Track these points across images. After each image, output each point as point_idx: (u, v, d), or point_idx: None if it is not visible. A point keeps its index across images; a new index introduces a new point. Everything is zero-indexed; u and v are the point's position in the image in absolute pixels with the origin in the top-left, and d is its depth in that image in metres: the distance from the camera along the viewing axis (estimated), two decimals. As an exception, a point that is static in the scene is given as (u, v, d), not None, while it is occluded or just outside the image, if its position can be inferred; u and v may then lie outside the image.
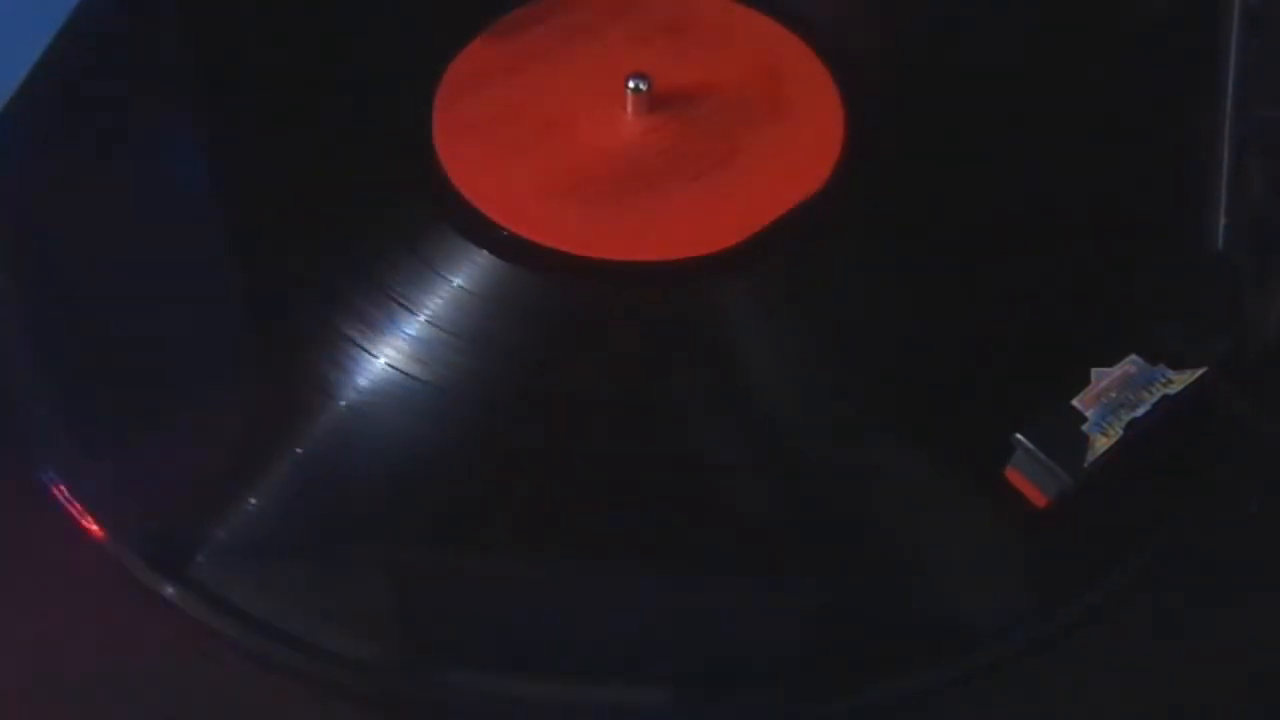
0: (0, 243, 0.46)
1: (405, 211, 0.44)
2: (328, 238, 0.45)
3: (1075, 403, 0.38)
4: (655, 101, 0.46)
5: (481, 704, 0.37)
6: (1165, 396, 0.38)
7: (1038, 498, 0.38)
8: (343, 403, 0.40)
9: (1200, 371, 0.38)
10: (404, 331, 0.41)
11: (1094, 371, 0.38)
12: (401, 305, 0.42)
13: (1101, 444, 0.37)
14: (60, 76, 0.51)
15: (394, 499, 0.39)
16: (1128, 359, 0.39)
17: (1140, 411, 0.38)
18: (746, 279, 0.43)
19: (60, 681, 0.37)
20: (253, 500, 0.39)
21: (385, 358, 0.41)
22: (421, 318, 0.42)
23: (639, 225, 0.44)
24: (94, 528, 0.39)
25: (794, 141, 0.46)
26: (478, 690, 0.37)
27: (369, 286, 0.42)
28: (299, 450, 0.40)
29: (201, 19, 0.53)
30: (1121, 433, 0.37)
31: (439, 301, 0.42)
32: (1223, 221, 0.42)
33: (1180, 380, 0.38)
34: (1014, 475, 0.38)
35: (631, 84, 0.46)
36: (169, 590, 0.38)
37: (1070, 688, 0.37)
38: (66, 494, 0.40)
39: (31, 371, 0.42)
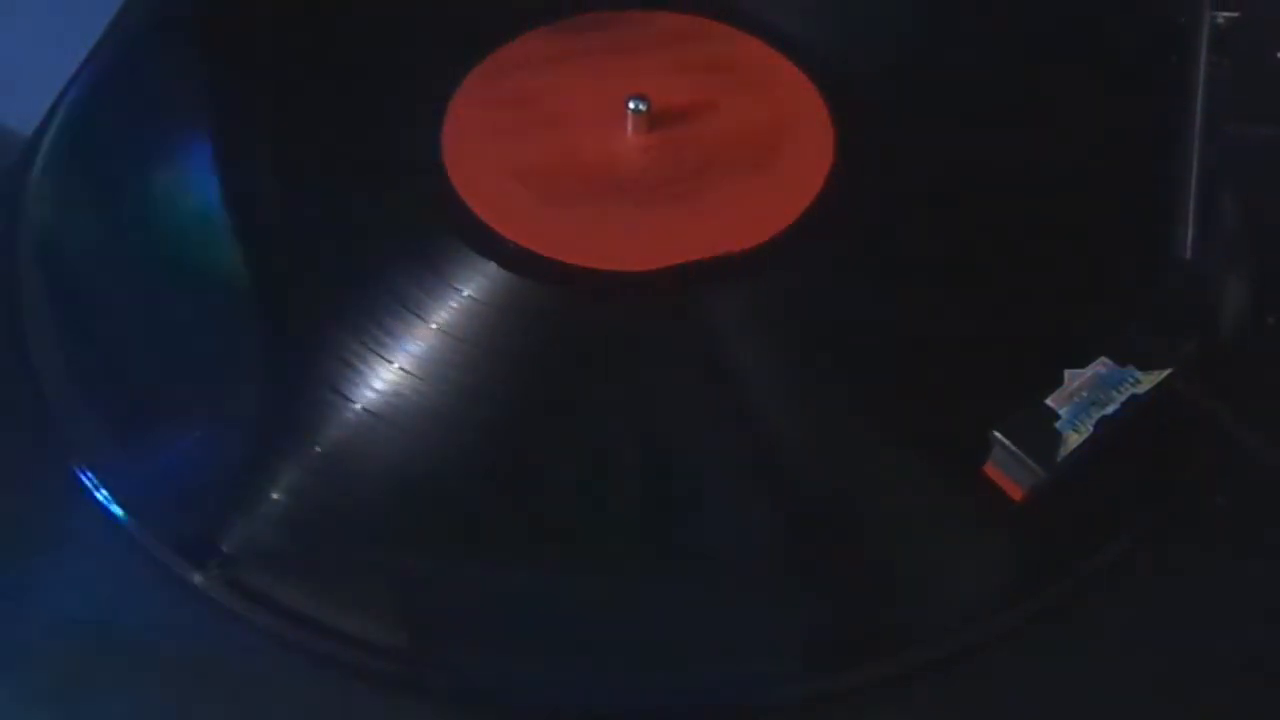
0: (36, 250, 0.47)
1: (417, 225, 0.46)
2: (345, 250, 0.46)
3: (1049, 401, 0.39)
4: (654, 121, 0.48)
5: (491, 688, 0.38)
6: (1133, 396, 0.39)
7: (1014, 491, 0.39)
8: (358, 405, 0.42)
9: (1166, 372, 0.40)
10: (416, 339, 0.43)
11: (1067, 373, 0.40)
12: (414, 314, 0.44)
13: (1073, 440, 0.39)
14: (91, 94, 0.53)
15: (405, 494, 0.41)
16: (1098, 360, 0.40)
17: (1110, 410, 0.39)
18: (745, 288, 0.45)
19: (92, 664, 0.38)
20: (274, 494, 0.40)
21: (399, 363, 0.43)
22: (432, 326, 0.43)
23: (640, 238, 0.46)
24: (125, 519, 0.41)
25: (787, 160, 0.48)
26: (488, 674, 0.39)
27: (384, 296, 0.44)
28: (318, 448, 0.41)
29: (220, 44, 0.54)
30: (1092, 430, 0.39)
31: (449, 311, 0.44)
32: (1191, 231, 0.43)
33: (1148, 381, 0.40)
34: (992, 470, 0.40)
35: (631, 105, 0.48)
36: (195, 577, 0.39)
37: (1044, 675, 0.38)
38: (99, 487, 0.41)
39: (67, 374, 0.44)
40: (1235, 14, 0.46)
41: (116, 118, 0.52)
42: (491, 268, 0.44)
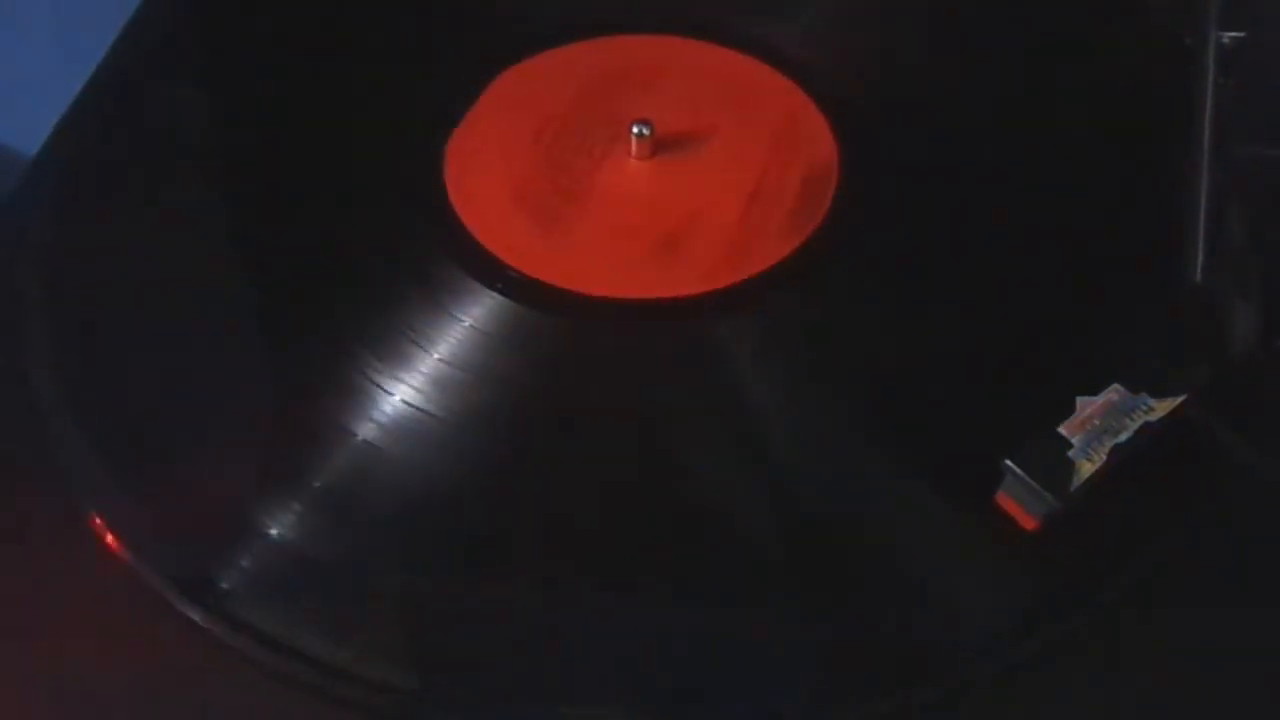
0: (37, 289, 0.47)
1: (420, 253, 0.46)
2: (346, 281, 0.46)
3: (1062, 430, 0.39)
4: (658, 145, 0.48)
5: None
6: (1147, 423, 0.39)
7: (1027, 520, 0.39)
8: (360, 437, 0.42)
9: (1180, 399, 0.40)
10: (418, 369, 0.43)
11: (1079, 400, 0.40)
12: (415, 344, 0.43)
13: (1086, 469, 0.39)
14: (94, 118, 0.53)
15: (407, 527, 0.41)
16: (1111, 387, 0.40)
17: (1123, 438, 0.39)
18: (751, 315, 0.44)
19: (95, 701, 0.38)
20: (275, 530, 0.40)
21: (400, 394, 0.42)
22: (434, 356, 0.43)
23: (643, 264, 0.46)
24: (128, 556, 0.40)
25: (793, 184, 0.48)
26: (493, 709, 0.38)
27: (385, 327, 0.44)
28: (317, 483, 0.41)
29: (222, 70, 0.55)
30: (1105, 458, 0.39)
31: (451, 340, 0.44)
32: (1201, 256, 0.43)
33: (1161, 408, 0.40)
34: (1004, 499, 0.39)
35: (635, 129, 0.48)
36: (197, 614, 0.39)
37: (1057, 704, 0.38)
38: (103, 525, 0.41)
39: (71, 413, 0.44)
40: (1241, 34, 0.46)
41: (119, 142, 0.52)
42: (493, 296, 0.44)
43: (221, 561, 0.40)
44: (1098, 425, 0.39)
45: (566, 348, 0.44)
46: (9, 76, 0.63)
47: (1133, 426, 0.39)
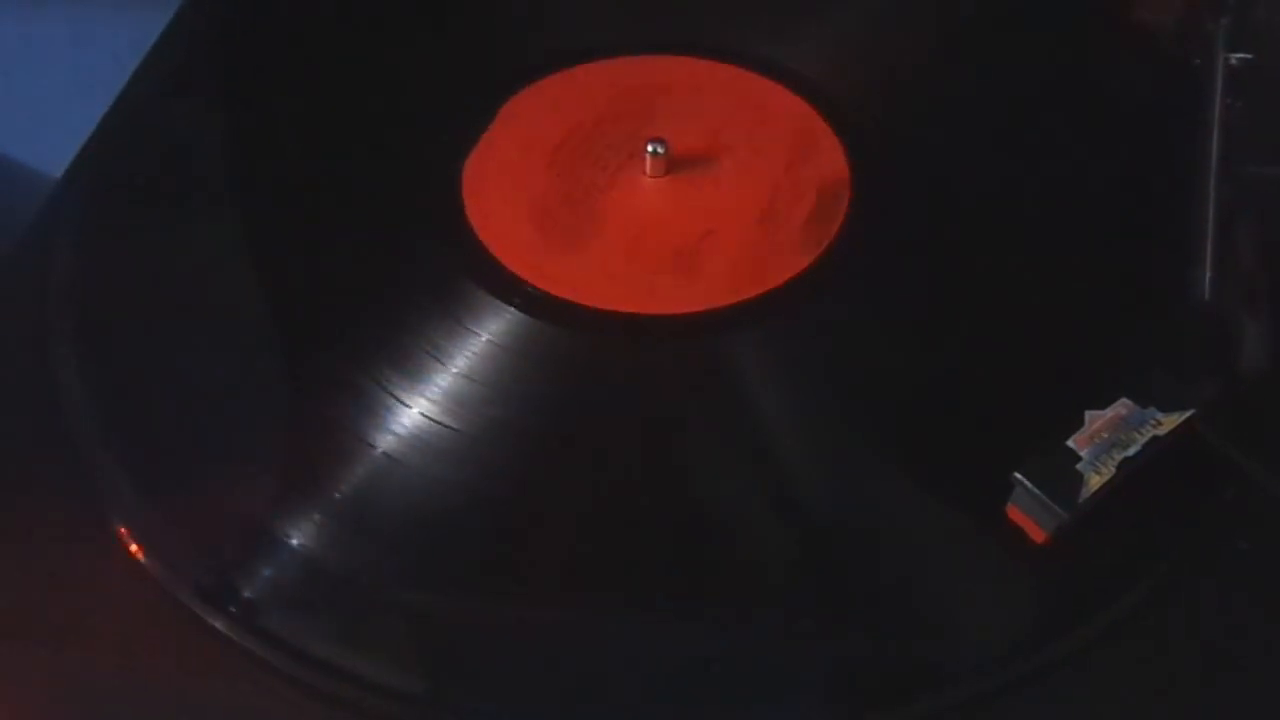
0: (62, 305, 0.48)
1: (438, 269, 0.47)
2: (366, 297, 0.47)
3: (1070, 443, 0.39)
4: (672, 164, 0.49)
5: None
6: (1155, 437, 0.39)
7: (1037, 533, 0.39)
8: (379, 449, 0.42)
9: (1187, 414, 0.40)
10: (436, 383, 0.43)
11: (1088, 414, 0.40)
12: (434, 358, 0.44)
13: (1095, 482, 0.39)
14: (113, 144, 0.53)
15: (426, 538, 0.41)
16: (1119, 402, 0.40)
17: (1131, 451, 0.39)
18: (761, 331, 0.45)
19: (119, 709, 0.39)
20: (296, 540, 0.41)
21: (419, 407, 0.43)
22: (452, 370, 0.44)
23: (657, 280, 0.46)
24: (152, 565, 0.41)
25: (805, 202, 0.48)
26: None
27: (404, 342, 0.44)
28: (339, 494, 0.42)
29: (244, 92, 0.55)
30: (1114, 471, 0.39)
31: (468, 354, 0.44)
32: (1208, 273, 0.43)
33: (1169, 422, 0.40)
34: (1014, 512, 0.40)
35: (649, 148, 0.48)
36: (220, 622, 0.39)
37: (1067, 717, 0.38)
38: (128, 535, 0.42)
39: (96, 426, 0.44)
40: (1249, 55, 0.46)
41: (141, 165, 0.53)
42: (510, 312, 0.45)
43: (244, 571, 0.40)
44: (1106, 439, 0.39)
45: (582, 362, 0.45)
46: (36, 97, 0.64)
47: (1141, 440, 0.39)
